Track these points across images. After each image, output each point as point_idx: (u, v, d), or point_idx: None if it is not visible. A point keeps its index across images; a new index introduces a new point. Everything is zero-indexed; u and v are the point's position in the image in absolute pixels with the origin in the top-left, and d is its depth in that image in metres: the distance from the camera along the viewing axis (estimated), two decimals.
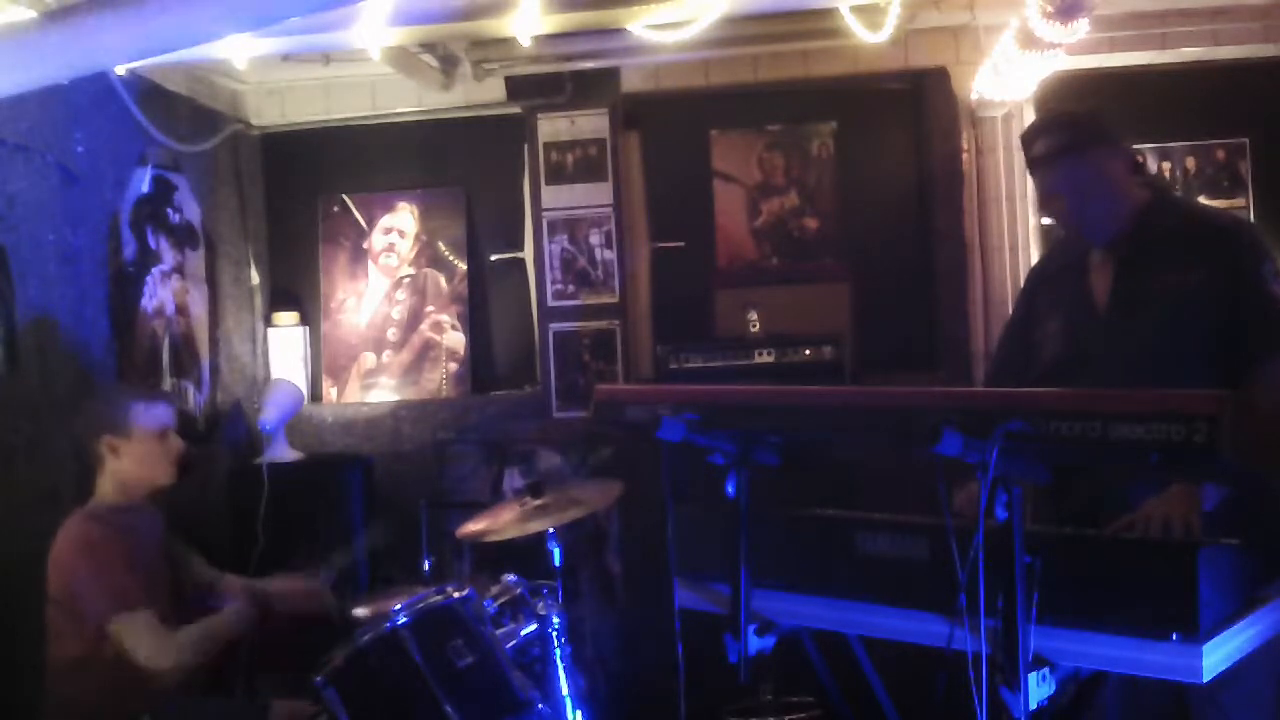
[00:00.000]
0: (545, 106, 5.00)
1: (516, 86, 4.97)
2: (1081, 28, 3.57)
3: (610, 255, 5.00)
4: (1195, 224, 2.68)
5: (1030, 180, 2.84)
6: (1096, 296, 2.69)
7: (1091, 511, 2.44)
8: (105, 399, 3.21)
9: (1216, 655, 1.80)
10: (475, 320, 5.24)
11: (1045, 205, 2.75)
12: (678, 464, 2.25)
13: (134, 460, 3.08)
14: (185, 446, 3.20)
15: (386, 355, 5.24)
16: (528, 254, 5.20)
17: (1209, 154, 5.06)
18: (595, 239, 5.01)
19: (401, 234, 5.27)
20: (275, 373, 5.10)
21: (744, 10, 4.10)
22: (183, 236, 4.58)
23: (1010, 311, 3.02)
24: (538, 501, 3.42)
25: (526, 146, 5.08)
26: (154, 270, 4.34)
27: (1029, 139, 2.73)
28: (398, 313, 5.25)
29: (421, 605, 2.83)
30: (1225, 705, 2.37)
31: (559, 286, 5.03)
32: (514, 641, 3.07)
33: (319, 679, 2.70)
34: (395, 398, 5.19)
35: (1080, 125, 2.67)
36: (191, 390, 4.55)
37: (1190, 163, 5.07)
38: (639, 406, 2.30)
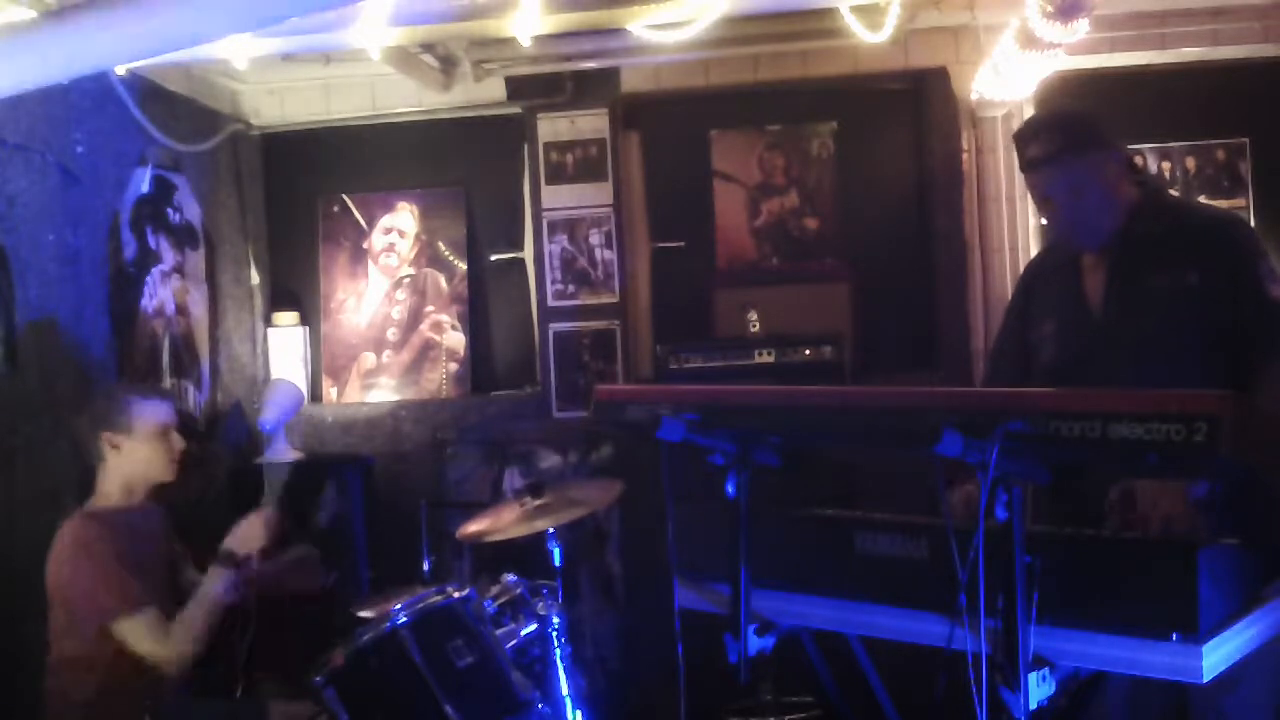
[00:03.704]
0: (545, 106, 5.00)
1: (516, 86, 4.97)
2: (1081, 28, 3.57)
3: (610, 255, 5.00)
4: (1188, 223, 2.66)
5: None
6: (1090, 299, 2.68)
7: (1090, 510, 2.43)
8: (105, 397, 3.20)
9: (1217, 655, 1.79)
10: (475, 320, 5.24)
11: (1039, 207, 2.74)
12: (678, 464, 2.24)
13: (135, 457, 3.08)
14: (185, 444, 3.21)
15: (386, 355, 5.24)
16: (527, 254, 5.20)
17: (1209, 154, 5.06)
18: (595, 239, 5.00)
19: (401, 234, 5.27)
20: (275, 373, 5.10)
21: (744, 10, 4.09)
22: (183, 236, 4.58)
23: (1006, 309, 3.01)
24: (538, 502, 3.42)
25: (526, 146, 5.08)
26: (154, 270, 4.34)
27: (1023, 140, 2.69)
28: (398, 313, 5.25)
29: (421, 605, 2.83)
30: (1226, 705, 2.36)
31: (559, 286, 5.03)
32: (514, 641, 3.07)
33: (319, 679, 2.71)
34: (395, 398, 5.19)
35: (1075, 128, 2.64)
36: (191, 390, 4.55)
37: (1190, 163, 5.06)
38: (639, 406, 2.30)
